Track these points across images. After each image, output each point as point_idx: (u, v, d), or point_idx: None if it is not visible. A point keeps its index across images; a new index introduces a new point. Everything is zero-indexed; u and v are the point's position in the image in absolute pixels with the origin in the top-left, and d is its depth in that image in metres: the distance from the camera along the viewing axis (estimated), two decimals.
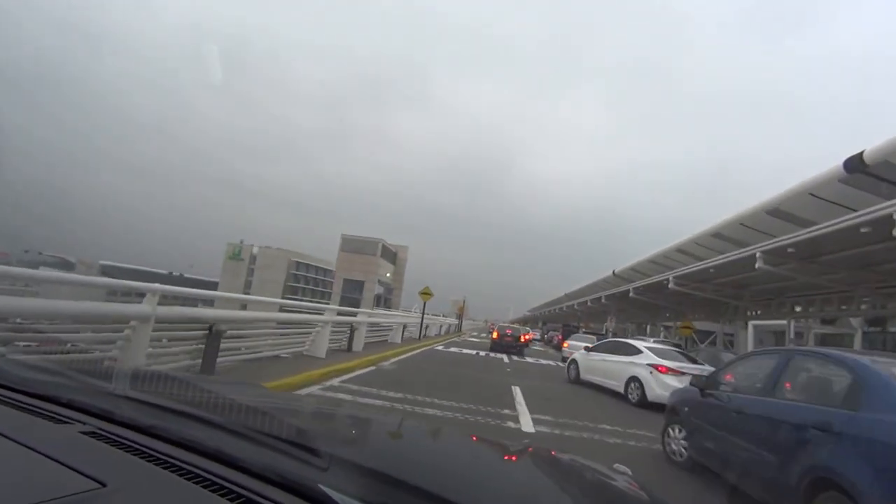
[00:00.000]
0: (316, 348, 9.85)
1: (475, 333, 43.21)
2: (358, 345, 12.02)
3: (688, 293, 18.97)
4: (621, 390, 10.15)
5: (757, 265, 11.89)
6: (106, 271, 59.31)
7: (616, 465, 1.47)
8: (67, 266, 61.59)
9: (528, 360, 18.81)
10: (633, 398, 9.70)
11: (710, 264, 15.49)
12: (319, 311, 11.30)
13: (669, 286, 18.39)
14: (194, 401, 1.16)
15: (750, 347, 24.94)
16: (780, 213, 13.53)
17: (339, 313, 11.83)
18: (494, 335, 21.49)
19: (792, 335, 17.51)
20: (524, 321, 71.73)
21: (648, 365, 9.63)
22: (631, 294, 23.32)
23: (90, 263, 64.32)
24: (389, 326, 16.41)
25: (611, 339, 14.28)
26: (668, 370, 9.23)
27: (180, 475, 0.85)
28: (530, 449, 1.60)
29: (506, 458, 1.45)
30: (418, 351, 15.62)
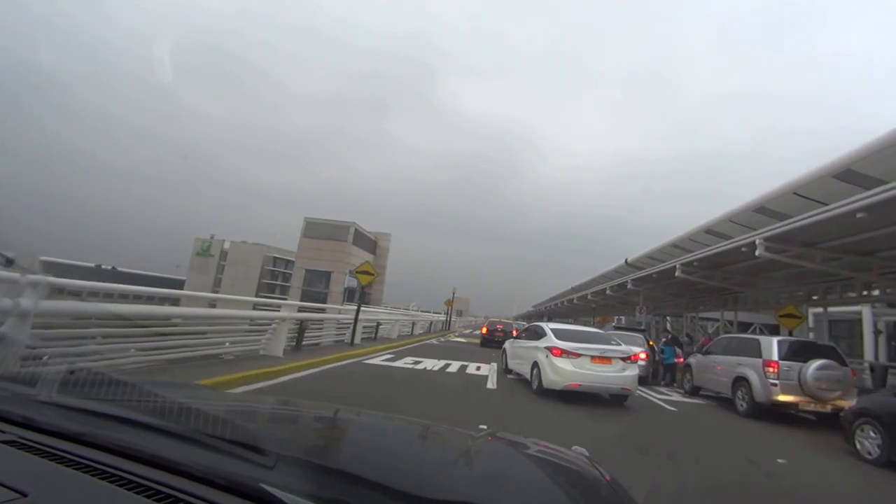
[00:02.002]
0: None
1: (468, 331, 35.78)
2: None
3: (788, 263, 12.07)
4: (528, 378, 8.79)
5: None
6: (48, 268, 52.28)
7: (574, 447, 1.44)
8: (7, 262, 54.29)
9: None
10: (534, 386, 8.38)
11: (854, 205, 8.70)
12: None
13: (757, 253, 11.31)
14: (130, 404, 1.08)
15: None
16: (852, 174, 10.70)
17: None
18: (484, 331, 20.32)
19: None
20: (528, 317, 68.59)
21: (546, 348, 8.24)
22: (678, 273, 15.91)
23: (31, 259, 57.00)
24: (267, 323, 8.74)
25: (533, 323, 12.03)
26: (562, 352, 7.90)
27: (113, 482, 0.80)
28: (490, 437, 1.52)
29: (465, 446, 1.37)
30: (316, 370, 8.09)
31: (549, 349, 8.09)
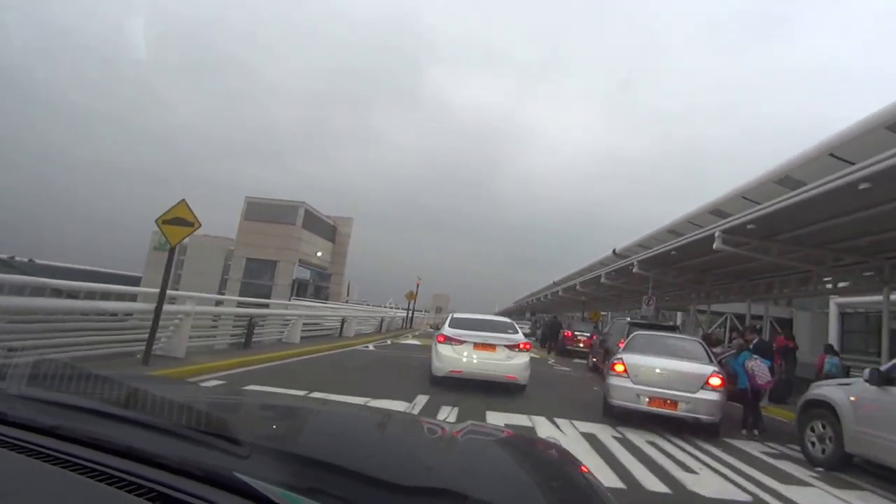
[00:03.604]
0: None
1: (434, 330, 30.22)
2: None
3: None
4: None
5: None
6: None
7: (547, 437, 1.58)
8: None
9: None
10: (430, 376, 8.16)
11: None
12: None
13: None
14: (103, 396, 1.07)
15: (833, 335, 19.20)
16: None
17: None
18: None
19: None
20: (509, 313, 65.08)
21: (437, 336, 8.33)
22: (717, 244, 10.65)
23: None
24: None
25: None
26: (446, 339, 7.92)
27: (85, 475, 0.79)
28: (467, 427, 1.43)
29: (441, 436, 1.35)
30: None
31: (439, 336, 8.13)
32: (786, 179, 13.03)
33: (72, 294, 6.39)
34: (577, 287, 28.21)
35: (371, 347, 14.10)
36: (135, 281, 64.51)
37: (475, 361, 7.66)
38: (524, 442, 1.37)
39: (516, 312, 64.27)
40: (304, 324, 13.38)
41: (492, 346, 7.78)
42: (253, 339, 9.58)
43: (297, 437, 1.16)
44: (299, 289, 36.63)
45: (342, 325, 15.54)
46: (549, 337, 21.65)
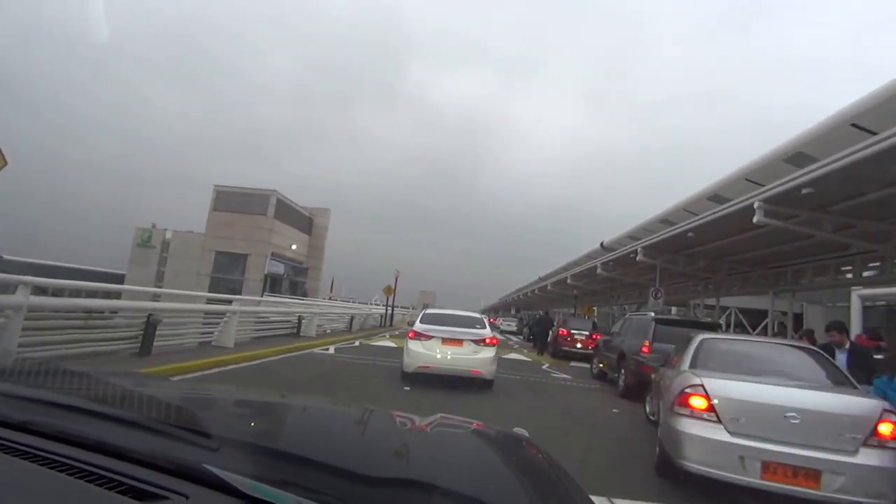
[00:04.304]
0: None
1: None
2: None
3: None
4: None
5: None
6: None
7: (516, 429, 1.42)
8: None
9: None
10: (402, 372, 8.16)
11: None
12: None
13: None
14: (73, 391, 1.05)
15: (855, 331, 16.11)
16: None
17: None
18: None
19: None
20: (495, 309, 66.20)
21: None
22: (758, 217, 8.56)
23: None
24: None
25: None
26: (416, 335, 7.99)
27: (56, 469, 0.78)
28: (436, 419, 1.43)
29: (411, 428, 1.34)
30: None
31: (409, 332, 8.23)
32: (797, 156, 12.18)
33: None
34: (569, 280, 26.13)
35: (331, 351, 11.80)
36: (119, 279, 61.59)
37: (443, 357, 7.72)
38: (493, 433, 1.32)
39: (502, 309, 62.80)
40: (250, 321, 11.15)
41: (459, 341, 7.85)
42: (158, 343, 7.24)
43: (268, 431, 1.14)
44: (273, 284, 34.11)
45: (299, 324, 13.17)
46: (539, 336, 18.72)
